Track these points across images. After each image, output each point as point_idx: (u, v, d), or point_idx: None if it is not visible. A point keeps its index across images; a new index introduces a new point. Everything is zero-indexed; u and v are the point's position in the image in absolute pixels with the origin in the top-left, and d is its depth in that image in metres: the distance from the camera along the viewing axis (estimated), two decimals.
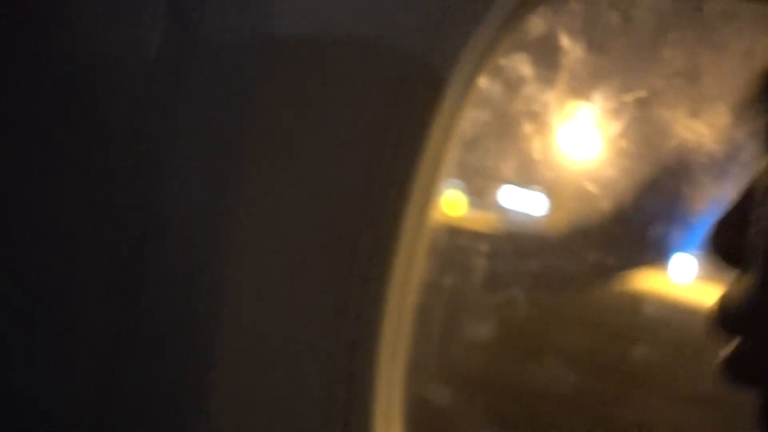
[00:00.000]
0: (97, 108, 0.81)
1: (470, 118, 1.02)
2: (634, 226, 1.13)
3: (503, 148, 1.08)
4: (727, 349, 0.50)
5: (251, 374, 0.81)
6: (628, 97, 1.07)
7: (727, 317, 0.50)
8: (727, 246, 0.51)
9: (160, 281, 0.81)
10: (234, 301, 0.80)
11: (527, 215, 1.12)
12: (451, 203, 1.10)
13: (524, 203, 1.12)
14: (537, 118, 1.08)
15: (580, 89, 1.06)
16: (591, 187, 1.10)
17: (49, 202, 0.83)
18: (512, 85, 1.06)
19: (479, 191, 1.08)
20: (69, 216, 0.82)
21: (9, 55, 0.82)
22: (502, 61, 1.05)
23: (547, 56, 1.06)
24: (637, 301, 1.12)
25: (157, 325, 0.81)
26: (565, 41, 1.05)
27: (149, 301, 0.81)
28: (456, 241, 1.06)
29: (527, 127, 1.08)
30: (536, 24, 1.02)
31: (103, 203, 0.81)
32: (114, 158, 0.81)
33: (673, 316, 1.12)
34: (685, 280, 1.17)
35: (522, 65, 1.06)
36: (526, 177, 1.10)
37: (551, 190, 1.11)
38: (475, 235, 1.07)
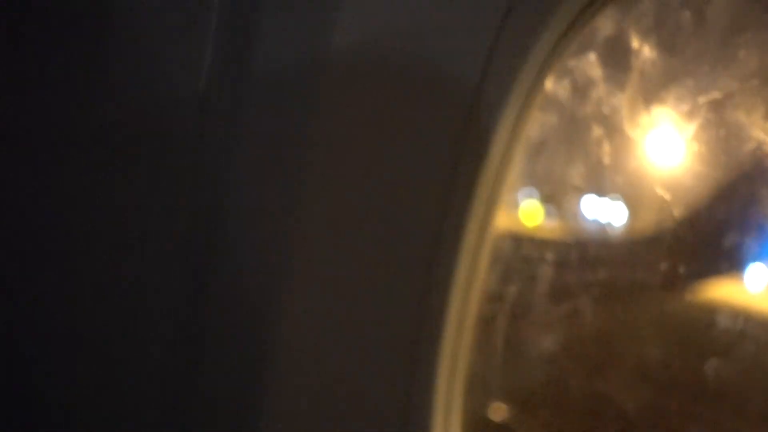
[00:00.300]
0: (150, 148, 0.79)
1: (538, 122, 1.00)
2: (708, 233, 1.09)
3: (572, 153, 1.05)
4: None
5: (310, 390, 0.80)
6: (702, 99, 1.04)
7: None
8: None
9: (224, 306, 0.79)
10: (296, 316, 0.79)
11: (596, 222, 1.09)
12: (528, 212, 1.07)
13: (594, 210, 1.08)
14: (607, 121, 1.05)
15: (651, 91, 1.04)
16: (663, 193, 1.07)
17: (108, 249, 0.81)
18: (581, 87, 1.03)
19: (546, 198, 1.05)
20: (132, 262, 0.80)
21: (56, 94, 0.81)
22: (571, 63, 1.03)
23: (617, 57, 1.03)
24: (710, 313, 1.09)
25: (222, 342, 0.79)
26: (635, 42, 1.03)
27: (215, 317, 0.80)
28: (521, 249, 1.03)
29: (597, 131, 1.05)
30: (605, 24, 1.00)
31: (164, 243, 0.80)
32: (171, 199, 0.79)
33: (748, 329, 1.08)
34: (761, 290, 1.13)
35: (591, 67, 1.03)
36: (596, 183, 1.07)
37: (622, 196, 1.07)
38: (542, 244, 1.04)
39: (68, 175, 0.81)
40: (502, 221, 0.96)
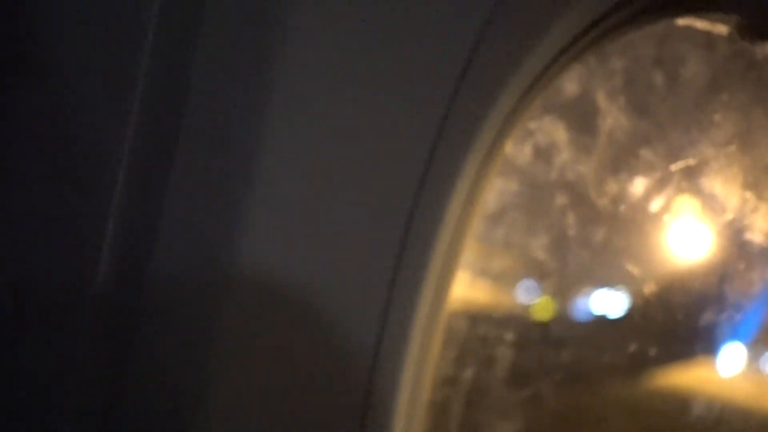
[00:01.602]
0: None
1: (497, 189, 0.97)
2: (679, 312, 1.07)
3: (533, 222, 1.02)
4: None
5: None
6: (675, 166, 1.02)
7: None
8: None
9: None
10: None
11: (560, 297, 1.06)
12: (485, 290, 1.04)
13: (557, 284, 1.05)
14: (572, 189, 1.02)
15: (620, 157, 1.01)
16: (632, 269, 1.04)
17: None
18: (544, 151, 1.00)
19: (504, 272, 1.02)
20: None
21: None
22: (532, 125, 0.99)
23: (582, 119, 1.00)
24: (683, 399, 1.06)
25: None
26: (603, 102, 1.00)
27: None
28: (477, 329, 1.00)
29: (560, 199, 1.02)
30: (571, 83, 0.97)
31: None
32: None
33: (724, 416, 1.05)
34: (736, 372, 1.10)
35: (555, 129, 1.00)
36: (559, 255, 1.04)
37: (586, 271, 1.04)
38: (499, 322, 1.00)
39: None
40: (456, 298, 0.92)
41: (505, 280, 1.03)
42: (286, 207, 0.75)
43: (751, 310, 1.08)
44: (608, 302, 1.08)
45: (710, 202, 1.03)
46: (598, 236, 1.04)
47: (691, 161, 1.02)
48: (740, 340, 1.10)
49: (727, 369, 1.10)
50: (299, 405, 0.77)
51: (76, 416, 0.77)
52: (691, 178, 1.02)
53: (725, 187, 1.02)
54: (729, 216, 1.04)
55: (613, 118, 1.00)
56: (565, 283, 1.05)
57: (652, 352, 1.05)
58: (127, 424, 0.76)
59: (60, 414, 0.77)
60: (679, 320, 1.07)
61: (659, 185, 1.02)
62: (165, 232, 0.76)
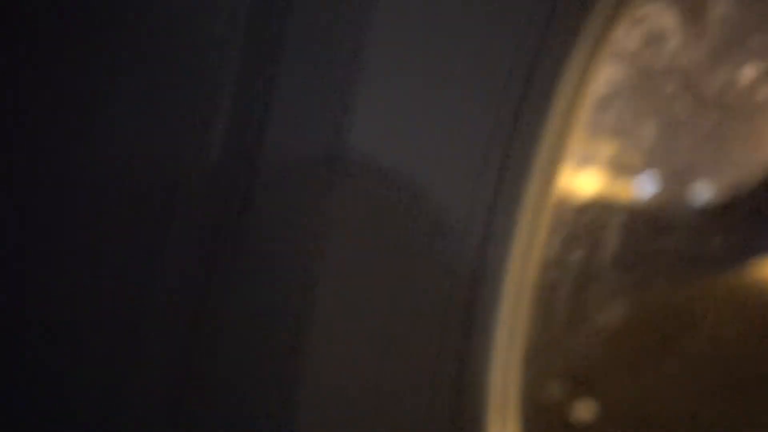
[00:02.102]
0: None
1: (605, 76, 0.98)
2: None
3: (642, 109, 1.03)
4: None
5: (351, 358, 0.79)
6: None
7: None
8: None
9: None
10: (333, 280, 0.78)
11: (668, 185, 1.06)
12: (592, 175, 1.05)
13: (665, 171, 1.06)
14: (680, 76, 1.02)
15: (729, 45, 1.00)
16: (739, 157, 1.04)
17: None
18: (653, 38, 1.00)
19: (613, 158, 1.02)
20: None
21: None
22: (641, 11, 1.00)
23: (693, 5, 1.00)
24: None
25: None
26: None
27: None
28: (586, 214, 1.01)
29: (669, 87, 1.02)
30: None
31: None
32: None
33: None
34: None
35: (665, 16, 1.00)
36: (668, 143, 1.04)
37: (696, 156, 1.05)
38: (608, 208, 1.01)
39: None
40: (564, 182, 0.94)
41: (612, 167, 1.04)
42: (393, 96, 0.77)
43: None
44: (715, 190, 1.08)
45: None
46: (706, 124, 1.04)
47: None
48: None
49: None
50: (406, 290, 0.79)
51: (177, 286, 0.80)
52: None
53: None
54: None
55: (723, 4, 1.00)
56: (673, 170, 1.06)
57: (760, 242, 1.06)
58: (230, 302, 0.79)
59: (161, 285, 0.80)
60: None
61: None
62: (277, 114, 0.78)
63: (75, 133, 0.82)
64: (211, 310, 0.79)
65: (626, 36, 0.98)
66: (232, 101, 0.78)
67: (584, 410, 1.04)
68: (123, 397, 0.81)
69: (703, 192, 1.09)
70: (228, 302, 0.79)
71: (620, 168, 1.04)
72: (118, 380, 0.82)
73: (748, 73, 1.02)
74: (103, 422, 0.82)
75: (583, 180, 1.03)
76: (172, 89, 0.80)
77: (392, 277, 0.79)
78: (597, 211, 1.03)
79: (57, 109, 0.82)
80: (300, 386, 0.77)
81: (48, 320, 0.83)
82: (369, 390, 0.79)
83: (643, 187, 1.06)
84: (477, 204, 0.79)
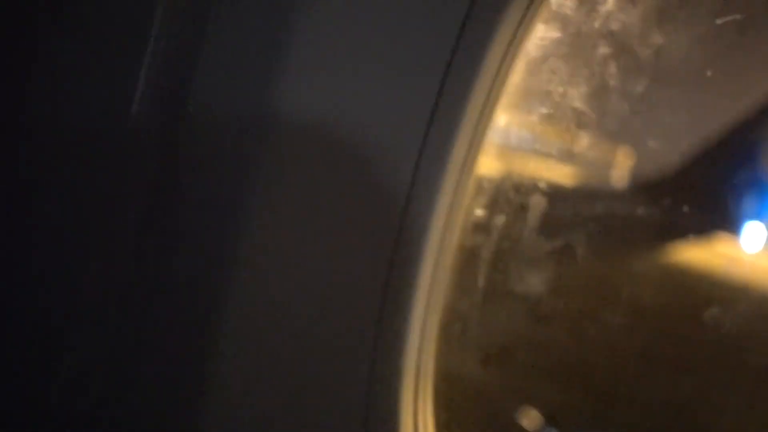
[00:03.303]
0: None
1: (538, 37, 0.98)
2: (715, 170, 1.07)
3: (573, 72, 1.03)
4: None
5: (269, 319, 0.79)
6: (721, 20, 1.01)
7: None
8: None
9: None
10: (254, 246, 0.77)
11: (596, 151, 1.07)
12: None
13: (594, 136, 1.06)
14: (615, 38, 1.02)
15: (666, 8, 1.01)
16: (671, 122, 1.05)
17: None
18: (587, 1, 1.00)
19: (543, 121, 1.02)
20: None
21: None
22: None
23: None
24: (710, 262, 1.07)
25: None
26: None
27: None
28: (511, 178, 1.01)
29: (603, 50, 1.02)
30: None
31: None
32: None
33: (749, 284, 1.06)
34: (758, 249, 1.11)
35: None
36: (599, 106, 1.04)
37: (626, 122, 1.05)
38: (533, 174, 1.01)
39: None
40: (490, 143, 0.94)
41: (541, 130, 1.05)
42: (324, 52, 0.76)
43: None
44: (646, 155, 1.09)
45: (756, 60, 1.03)
46: (638, 89, 1.04)
47: (738, 16, 1.01)
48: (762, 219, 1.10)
49: (747, 246, 1.11)
50: (332, 242, 0.79)
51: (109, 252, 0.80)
52: (737, 32, 1.01)
53: None
54: None
55: None
56: (603, 134, 1.06)
57: (685, 209, 1.06)
58: (163, 259, 0.79)
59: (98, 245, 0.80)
60: (712, 179, 1.08)
61: (704, 40, 1.01)
62: (204, 69, 0.77)
63: (15, 89, 0.82)
64: (142, 270, 0.79)
65: None
66: (159, 55, 0.78)
67: (499, 380, 1.05)
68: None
69: (632, 160, 1.09)
70: (159, 266, 0.79)
71: (549, 132, 1.04)
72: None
73: (681, 39, 1.03)
74: None
75: (510, 143, 1.04)
76: (99, 44, 0.80)
77: (316, 238, 0.79)
78: (522, 175, 1.03)
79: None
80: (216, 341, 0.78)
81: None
82: (289, 359, 0.80)
83: (571, 153, 1.06)
84: (403, 163, 0.79)
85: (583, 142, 1.05)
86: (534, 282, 1.05)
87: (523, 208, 1.02)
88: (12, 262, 0.83)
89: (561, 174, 1.05)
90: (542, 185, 1.03)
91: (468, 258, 1.00)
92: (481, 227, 1.01)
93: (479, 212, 1.00)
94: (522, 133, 1.03)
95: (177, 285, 0.79)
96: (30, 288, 0.83)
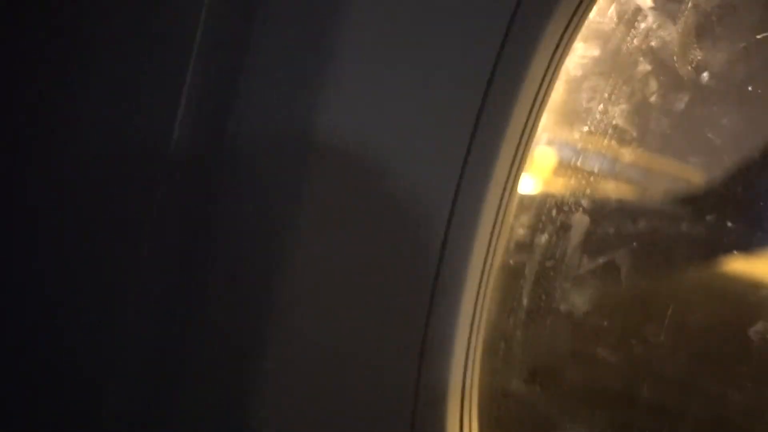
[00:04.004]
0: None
1: (578, 56, 0.98)
2: (762, 188, 1.07)
3: (615, 89, 1.03)
4: None
5: (313, 342, 0.81)
6: (761, 36, 1.01)
7: None
8: None
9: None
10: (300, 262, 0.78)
11: (638, 169, 1.07)
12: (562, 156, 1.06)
13: (636, 154, 1.07)
14: (655, 55, 1.02)
15: (705, 24, 1.01)
16: (713, 138, 1.05)
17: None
18: (628, 17, 1.01)
19: (585, 138, 1.03)
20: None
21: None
22: None
23: None
24: (758, 279, 1.07)
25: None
26: None
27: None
28: (553, 197, 1.02)
29: (643, 67, 1.03)
30: None
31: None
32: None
33: None
34: None
35: None
36: (641, 123, 1.05)
37: (667, 139, 1.06)
38: (575, 192, 1.02)
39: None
40: (533, 165, 0.95)
41: (582, 149, 1.05)
42: (365, 76, 0.78)
43: None
44: (687, 176, 1.09)
45: None
46: (678, 104, 1.05)
47: None
48: None
49: None
50: (375, 263, 0.80)
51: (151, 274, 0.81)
52: None
53: None
54: None
55: None
56: (645, 151, 1.07)
57: (730, 224, 1.06)
58: (209, 285, 0.80)
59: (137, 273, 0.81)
60: (759, 196, 1.07)
61: (743, 55, 1.01)
62: (245, 95, 0.79)
63: (60, 120, 0.84)
64: (186, 291, 0.80)
65: (600, 15, 0.99)
66: (199, 78, 0.79)
67: (544, 398, 1.06)
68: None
69: (674, 178, 1.10)
70: (202, 287, 0.80)
71: (590, 150, 1.05)
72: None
73: (722, 54, 1.03)
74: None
75: (551, 162, 1.04)
76: (139, 73, 0.81)
77: (360, 259, 0.80)
78: (565, 194, 1.04)
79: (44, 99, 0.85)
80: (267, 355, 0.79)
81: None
82: (335, 375, 0.81)
83: (613, 170, 1.07)
84: (444, 183, 0.80)
85: (625, 159, 1.05)
86: (578, 300, 1.05)
87: (565, 227, 1.03)
88: (45, 296, 0.85)
89: (603, 192, 1.06)
90: (585, 203, 1.03)
91: (511, 277, 1.01)
92: (524, 246, 1.02)
93: (522, 231, 1.01)
94: (564, 152, 1.04)
95: (217, 313, 0.80)
96: (71, 312, 0.84)
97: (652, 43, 1.01)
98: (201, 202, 0.79)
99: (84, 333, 0.83)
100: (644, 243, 1.06)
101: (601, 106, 1.03)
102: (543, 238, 1.02)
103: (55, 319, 0.84)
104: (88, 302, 0.83)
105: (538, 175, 1.03)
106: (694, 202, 1.09)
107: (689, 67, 1.02)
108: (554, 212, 1.02)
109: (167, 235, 0.80)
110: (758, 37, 1.01)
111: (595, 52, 1.01)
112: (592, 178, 1.04)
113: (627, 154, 1.05)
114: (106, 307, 0.83)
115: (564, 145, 1.05)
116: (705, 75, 1.03)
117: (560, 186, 1.04)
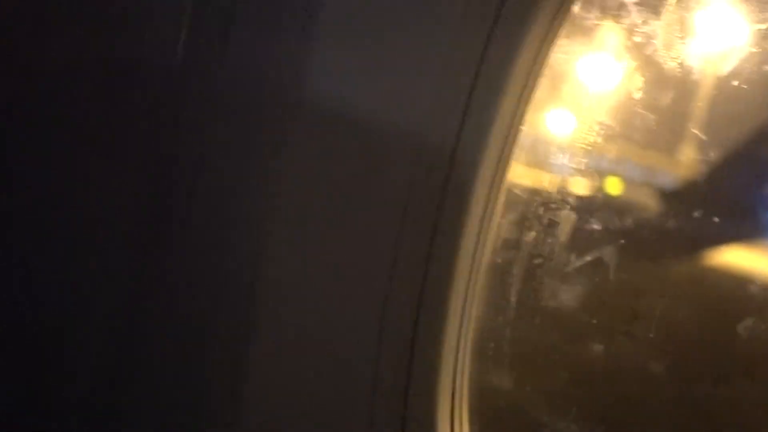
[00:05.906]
0: (123, 104, 0.87)
1: (562, 50, 0.99)
2: (746, 180, 1.08)
3: (600, 85, 1.05)
4: None
5: (298, 347, 0.82)
6: (757, 27, 1.02)
7: None
8: None
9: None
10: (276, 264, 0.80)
11: (624, 164, 1.08)
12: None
13: (621, 150, 1.08)
14: (640, 50, 1.03)
15: (689, 19, 1.02)
16: (700, 134, 1.06)
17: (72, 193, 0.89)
18: (612, 12, 1.02)
19: (569, 136, 1.04)
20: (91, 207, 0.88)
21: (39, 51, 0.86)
22: None
23: None
24: (744, 273, 1.08)
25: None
26: None
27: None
28: (540, 194, 1.03)
29: (628, 62, 1.04)
30: None
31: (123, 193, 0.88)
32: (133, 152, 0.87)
33: None
34: None
35: None
36: (626, 119, 1.06)
37: (653, 135, 1.07)
38: (562, 189, 1.03)
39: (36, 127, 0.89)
40: (517, 159, 0.96)
41: (567, 145, 1.06)
42: (353, 42, 0.79)
43: None
44: (674, 168, 1.10)
45: None
46: (666, 100, 1.05)
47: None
48: None
49: None
50: (363, 259, 0.82)
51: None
52: (765, 41, 1.03)
53: None
54: None
55: None
56: (631, 147, 1.07)
57: (716, 219, 1.08)
58: (182, 243, 0.82)
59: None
60: (744, 188, 1.08)
61: (735, 47, 1.02)
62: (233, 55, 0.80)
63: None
64: (160, 245, 0.82)
65: (584, 11, 1.00)
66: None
67: (532, 394, 1.07)
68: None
69: (660, 173, 1.11)
70: (179, 244, 0.81)
71: (575, 146, 1.06)
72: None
73: (707, 49, 1.03)
74: None
75: (537, 159, 1.05)
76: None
77: (345, 251, 0.81)
78: (551, 191, 1.05)
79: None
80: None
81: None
82: (318, 373, 0.82)
83: (599, 167, 1.08)
84: (433, 180, 0.81)
85: (612, 155, 1.06)
86: (565, 297, 1.06)
87: (552, 224, 1.04)
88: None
89: (590, 188, 1.07)
90: (571, 200, 1.04)
91: (499, 275, 1.02)
92: (512, 244, 1.03)
93: (509, 229, 1.02)
94: (550, 149, 1.05)
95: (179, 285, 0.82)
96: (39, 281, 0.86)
97: (637, 39, 1.02)
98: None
99: (51, 315, 0.85)
100: (631, 239, 1.08)
101: (586, 102, 1.04)
102: (530, 236, 1.03)
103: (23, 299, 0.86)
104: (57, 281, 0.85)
105: (525, 172, 1.04)
106: (681, 199, 1.10)
107: (674, 63, 1.03)
108: (541, 210, 1.03)
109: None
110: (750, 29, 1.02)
111: (580, 47, 1.02)
112: (578, 176, 1.05)
113: (613, 151, 1.06)
114: (73, 287, 0.85)
115: (550, 143, 1.06)
116: (690, 70, 1.04)
117: (547, 183, 1.05)
